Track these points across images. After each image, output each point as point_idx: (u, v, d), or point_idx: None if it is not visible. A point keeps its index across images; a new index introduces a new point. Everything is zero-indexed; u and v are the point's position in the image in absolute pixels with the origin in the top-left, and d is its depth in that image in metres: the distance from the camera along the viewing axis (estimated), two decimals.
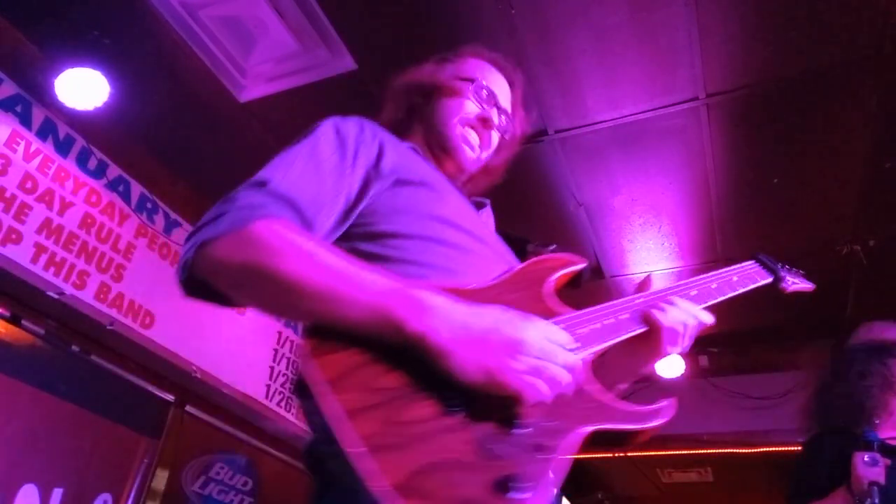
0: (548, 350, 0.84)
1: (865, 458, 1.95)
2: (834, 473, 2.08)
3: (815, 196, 3.46)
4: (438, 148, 1.34)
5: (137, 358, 3.47)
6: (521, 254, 1.25)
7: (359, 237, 1.07)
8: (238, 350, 3.95)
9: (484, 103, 1.36)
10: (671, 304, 1.12)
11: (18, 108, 3.01)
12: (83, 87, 2.94)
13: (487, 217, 1.37)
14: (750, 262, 1.45)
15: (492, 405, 0.82)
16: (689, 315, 1.13)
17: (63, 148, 3.19)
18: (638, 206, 3.68)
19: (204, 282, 0.92)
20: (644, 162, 3.38)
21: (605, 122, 3.14)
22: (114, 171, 3.43)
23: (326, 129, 1.12)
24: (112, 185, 3.39)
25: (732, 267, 1.38)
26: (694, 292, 1.21)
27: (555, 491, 0.79)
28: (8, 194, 2.89)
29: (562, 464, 0.82)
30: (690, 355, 4.79)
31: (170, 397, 3.66)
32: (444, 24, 2.71)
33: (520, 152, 1.49)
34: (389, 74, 1.46)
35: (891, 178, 3.23)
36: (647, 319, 1.09)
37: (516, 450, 0.80)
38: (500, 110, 1.39)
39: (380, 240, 1.06)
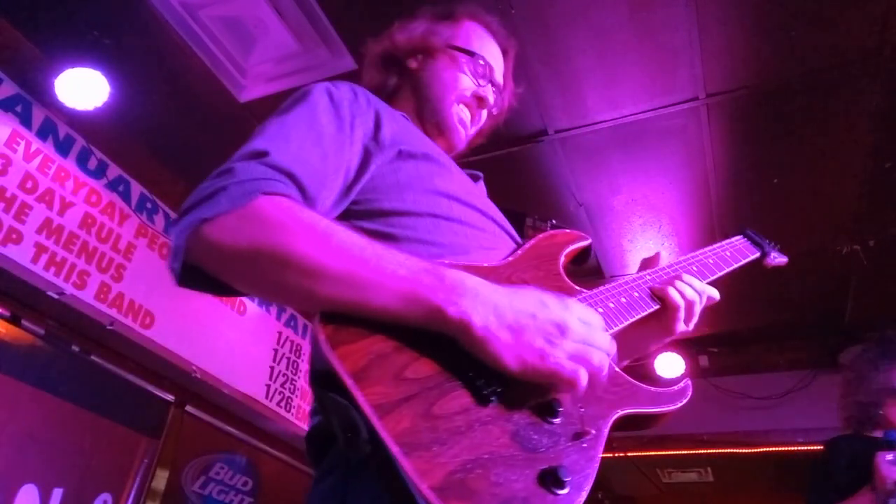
0: (587, 333, 0.79)
1: (889, 458, 1.96)
2: (852, 474, 2.10)
3: (815, 196, 3.45)
4: (431, 124, 1.27)
5: (137, 358, 3.47)
6: (519, 228, 1.21)
7: (360, 215, 0.98)
8: (238, 350, 3.95)
9: (480, 79, 1.30)
10: (682, 281, 1.12)
11: (18, 108, 3.01)
12: (83, 87, 2.94)
13: (482, 191, 1.30)
14: (739, 237, 1.46)
15: (529, 392, 0.77)
16: (699, 292, 1.13)
17: (63, 148, 3.19)
18: (638, 206, 3.68)
19: (199, 268, 0.81)
20: (644, 162, 3.38)
21: (605, 122, 3.14)
22: (114, 171, 3.43)
23: (320, 96, 1.01)
24: (112, 185, 3.39)
25: (723, 242, 1.40)
26: (695, 268, 1.22)
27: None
28: (8, 194, 2.89)
29: (599, 453, 0.77)
30: (690, 355, 4.78)
31: (170, 397, 3.66)
32: None
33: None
34: None
35: (891, 178, 3.23)
36: (661, 297, 1.08)
37: (557, 439, 0.75)
38: (494, 85, 1.34)
39: (384, 217, 0.98)
